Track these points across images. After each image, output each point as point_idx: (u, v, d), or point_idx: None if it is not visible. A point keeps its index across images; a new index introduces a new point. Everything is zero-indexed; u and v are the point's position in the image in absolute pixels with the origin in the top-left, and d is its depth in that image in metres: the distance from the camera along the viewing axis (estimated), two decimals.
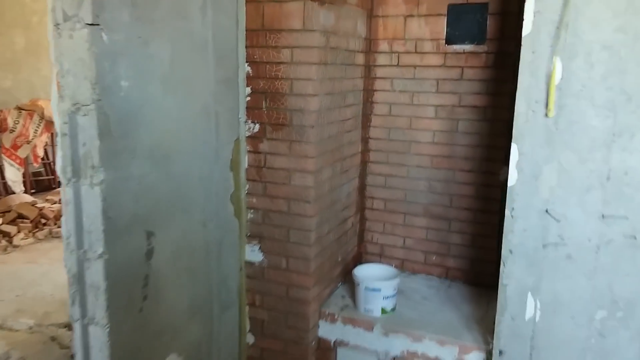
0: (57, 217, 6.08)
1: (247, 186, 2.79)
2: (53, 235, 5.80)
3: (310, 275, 2.70)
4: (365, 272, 2.89)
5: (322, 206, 2.76)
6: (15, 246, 5.46)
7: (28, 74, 7.42)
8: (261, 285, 2.81)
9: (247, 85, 2.70)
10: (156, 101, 2.09)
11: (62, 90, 1.86)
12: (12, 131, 6.40)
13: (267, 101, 2.67)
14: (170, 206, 2.22)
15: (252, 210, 2.80)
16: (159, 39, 2.07)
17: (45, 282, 4.63)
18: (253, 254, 2.81)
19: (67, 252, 1.97)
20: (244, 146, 2.76)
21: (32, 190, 7.07)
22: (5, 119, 6.38)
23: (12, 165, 6.49)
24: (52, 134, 7.10)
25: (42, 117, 6.66)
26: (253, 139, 2.74)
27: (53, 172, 7.52)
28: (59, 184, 6.57)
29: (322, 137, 2.69)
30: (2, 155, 6.47)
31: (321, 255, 2.81)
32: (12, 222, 5.82)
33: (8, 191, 6.74)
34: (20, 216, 5.92)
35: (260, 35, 2.62)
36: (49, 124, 6.79)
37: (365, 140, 3.31)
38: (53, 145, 7.41)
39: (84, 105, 1.83)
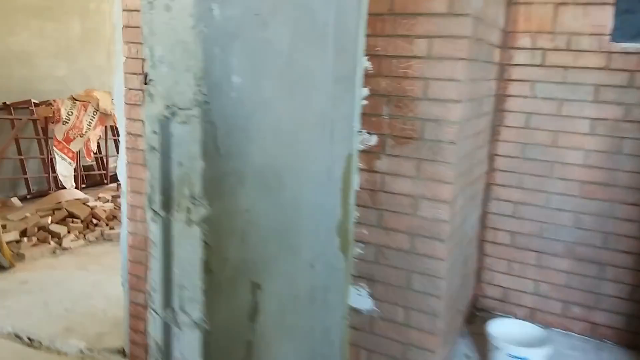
0: (109, 217, 5.67)
1: (357, 214, 2.20)
2: (105, 238, 5.38)
3: (437, 335, 2.09)
4: (503, 331, 2.25)
5: (454, 245, 2.15)
6: (65, 248, 5.05)
7: (83, 64, 7.07)
8: (369, 340, 2.22)
9: (365, 86, 2.11)
10: (270, 105, 1.51)
11: (152, 86, 1.30)
12: (65, 123, 6.03)
13: (390, 106, 2.07)
14: (277, 246, 1.65)
15: (361, 245, 2.20)
16: (278, 18, 1.49)
17: (96, 295, 4.17)
18: (360, 299, 2.22)
19: (150, 312, 1.42)
20: (356, 163, 2.17)
21: (83, 185, 6.70)
22: (58, 110, 6.02)
23: (63, 158, 6.13)
24: (106, 127, 6.73)
25: (96, 108, 6.28)
26: (368, 154, 2.15)
27: (105, 167, 7.15)
28: (110, 180, 6.14)
29: (460, 156, 2.07)
30: (54, 148, 6.11)
31: (450, 307, 2.20)
32: (61, 221, 5.43)
33: (58, 186, 6.40)
34: (71, 215, 5.52)
35: (387, 21, 2.02)
36: (104, 117, 6.41)
37: (491, 157, 2.68)
38: (106, 138, 7.04)
39: (182, 109, 1.27)
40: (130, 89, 2.70)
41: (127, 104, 2.72)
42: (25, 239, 4.98)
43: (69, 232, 5.27)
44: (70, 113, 6.02)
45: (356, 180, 2.18)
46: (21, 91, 6.29)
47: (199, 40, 1.21)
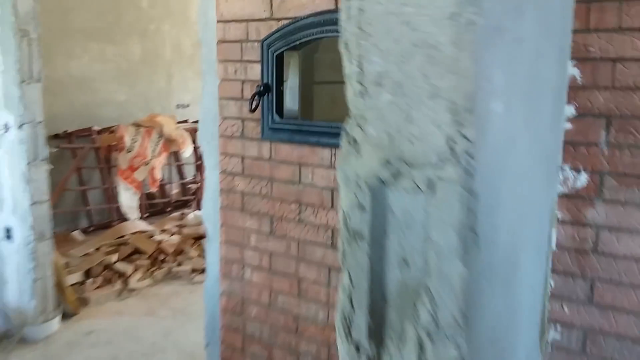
0: (177, 252, 5.22)
1: (552, 284, 1.57)
2: (173, 276, 4.91)
3: None
4: None
5: None
6: (131, 290, 4.60)
7: (143, 87, 6.73)
8: None
9: (569, 102, 1.49)
10: (515, 144, 0.92)
11: (356, 126, 0.73)
12: (129, 150, 5.65)
13: (612, 131, 1.45)
14: (507, 356, 1.05)
15: (558, 328, 1.57)
16: (528, 8, 0.91)
17: (169, 347, 3.67)
18: None
19: None
20: (555, 213, 1.55)
21: (145, 215, 6.31)
22: (122, 137, 5.64)
23: (128, 188, 5.73)
24: (170, 153, 6.33)
25: (160, 134, 5.88)
26: (572, 199, 1.52)
27: (167, 194, 6.75)
28: (173, 208, 5.70)
29: None
30: (118, 177, 5.74)
31: None
32: (127, 257, 5.00)
33: (121, 216, 6.02)
34: (136, 250, 5.09)
35: (607, 10, 1.41)
36: (168, 143, 6.00)
37: None
38: (170, 165, 6.65)
39: (418, 167, 0.69)
40: (226, 117, 2.18)
41: (222, 136, 2.19)
42: (89, 279, 4.57)
43: (135, 270, 4.83)
44: (134, 140, 5.65)
45: (553, 237, 1.56)
46: (82, 118, 5.99)
47: (464, 39, 0.63)
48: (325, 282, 2.03)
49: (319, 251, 2.04)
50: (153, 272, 4.88)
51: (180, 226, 5.92)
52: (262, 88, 1.95)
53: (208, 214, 2.62)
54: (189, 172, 7.10)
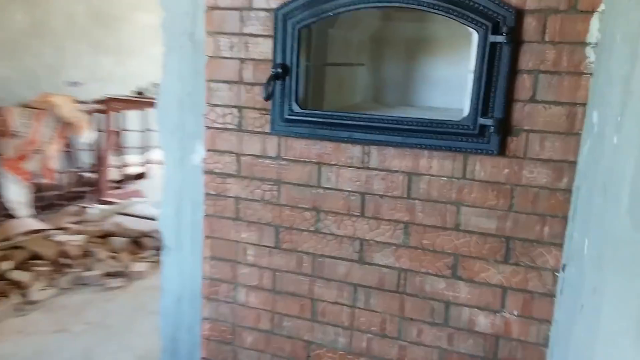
0: (84, 254, 4.54)
1: None
2: (81, 283, 4.26)
3: None
4: None
5: None
6: (33, 302, 3.90)
7: (29, 62, 5.80)
8: None
9: None
10: None
11: None
12: (17, 136, 4.80)
13: None
14: None
15: None
16: None
17: None
18: None
19: None
20: None
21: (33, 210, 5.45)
22: (7, 121, 4.78)
23: (15, 181, 4.89)
24: (67, 140, 5.51)
25: (56, 118, 5.07)
26: None
27: (60, 186, 5.90)
28: (68, 201, 4.97)
29: None
30: (3, 167, 4.86)
31: None
32: (21, 264, 4.24)
33: (5, 214, 5.14)
34: (33, 255, 4.34)
35: None
36: (65, 127, 5.21)
37: None
38: (62, 151, 5.80)
39: None
40: (215, 105, 1.76)
41: (209, 127, 1.77)
42: None
43: (34, 278, 4.10)
44: (23, 124, 4.80)
45: None
46: None
47: None
48: (349, 302, 1.71)
49: (343, 267, 1.71)
50: (56, 279, 4.19)
51: (81, 222, 5.20)
52: (279, 70, 1.56)
53: (167, 219, 2.18)
54: (84, 159, 6.29)
